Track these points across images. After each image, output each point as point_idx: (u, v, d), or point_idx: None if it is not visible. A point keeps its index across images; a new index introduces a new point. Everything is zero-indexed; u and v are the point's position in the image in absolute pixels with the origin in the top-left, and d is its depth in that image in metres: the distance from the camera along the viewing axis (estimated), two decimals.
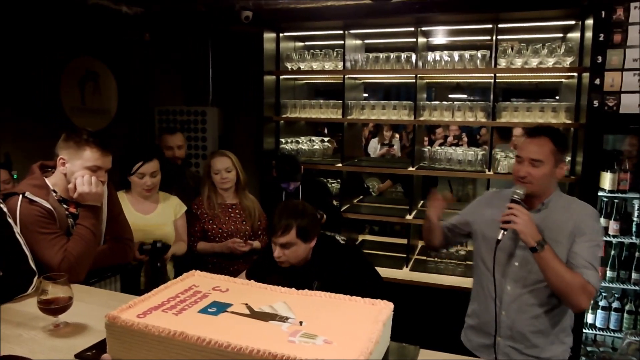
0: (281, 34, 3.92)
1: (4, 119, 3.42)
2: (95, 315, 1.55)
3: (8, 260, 1.72)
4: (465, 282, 3.24)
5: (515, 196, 1.90)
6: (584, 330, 3.09)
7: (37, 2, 3.40)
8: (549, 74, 3.44)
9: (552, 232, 1.90)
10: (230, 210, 3.05)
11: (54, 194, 2.06)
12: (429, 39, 3.89)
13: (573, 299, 1.80)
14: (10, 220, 1.79)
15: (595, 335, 3.18)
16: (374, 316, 1.36)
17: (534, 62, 3.26)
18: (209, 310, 1.38)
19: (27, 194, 1.95)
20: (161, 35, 4.56)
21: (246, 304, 1.42)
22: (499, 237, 1.90)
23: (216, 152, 3.14)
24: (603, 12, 2.84)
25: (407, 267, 3.53)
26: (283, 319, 1.33)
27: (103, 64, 4.22)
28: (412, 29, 3.51)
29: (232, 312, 1.37)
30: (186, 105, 4.65)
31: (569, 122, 3.22)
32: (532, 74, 3.44)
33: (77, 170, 2.01)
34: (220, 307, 1.40)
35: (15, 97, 3.52)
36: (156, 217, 2.77)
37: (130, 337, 1.26)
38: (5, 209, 1.79)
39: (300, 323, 1.31)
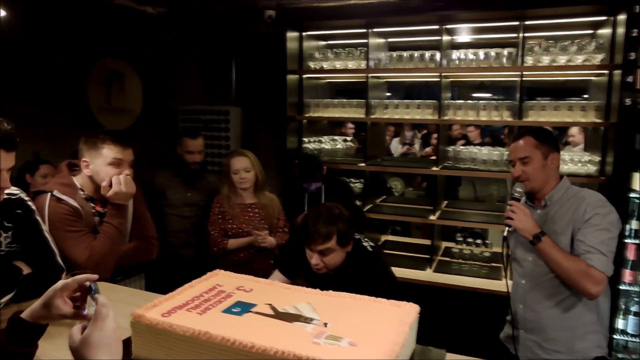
0: (304, 33, 3.91)
1: (34, 119, 3.50)
2: (119, 313, 1.55)
3: (37, 257, 1.75)
4: (490, 284, 3.18)
5: (515, 194, 2.04)
6: (614, 337, 3.00)
7: (66, 4, 3.46)
8: (578, 72, 3.35)
9: (554, 224, 1.99)
10: (249, 209, 3.05)
11: (81, 193, 2.10)
12: (454, 37, 3.82)
13: (578, 285, 1.85)
14: (38, 217, 1.82)
15: (627, 341, 3.08)
16: (399, 318, 1.34)
17: (562, 60, 3.17)
18: (233, 310, 1.38)
19: (55, 192, 2.00)
20: (185, 36, 4.60)
21: (270, 305, 1.41)
22: (504, 234, 2.06)
23: (235, 152, 3.14)
24: (637, 7, 2.75)
25: (430, 268, 3.48)
26: (307, 320, 1.32)
27: (128, 64, 4.27)
28: (436, 27, 3.45)
29: (256, 313, 1.37)
30: (209, 105, 4.68)
31: (599, 121, 3.14)
32: (560, 72, 3.35)
33: (101, 168, 2.04)
34: (244, 307, 1.40)
35: (44, 96, 3.59)
36: None
37: (155, 336, 1.26)
38: (34, 207, 1.82)
39: (325, 324, 1.30)
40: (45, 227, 1.84)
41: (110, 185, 2.02)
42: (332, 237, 2.04)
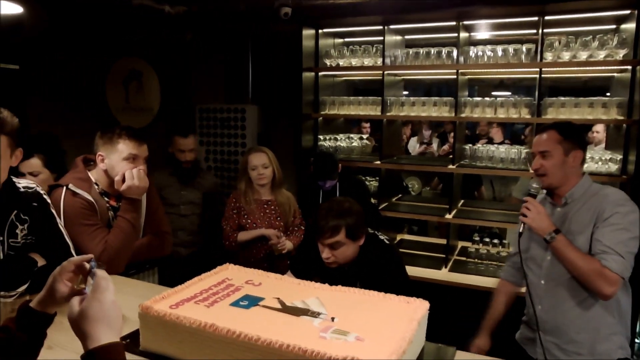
0: (320, 31, 3.90)
1: (56, 117, 3.57)
2: (131, 306, 1.57)
3: (52, 250, 1.77)
4: None
5: (532, 190, 2.01)
6: (636, 340, 2.92)
7: (86, 4, 3.52)
8: (600, 68, 3.27)
9: (575, 223, 1.93)
10: (265, 206, 3.06)
11: (96, 187, 2.12)
12: (471, 34, 3.77)
13: (592, 285, 1.81)
14: (53, 211, 1.84)
15: None
16: (408, 315, 1.32)
17: (583, 56, 3.10)
18: (241, 303, 1.38)
19: (71, 186, 2.02)
20: (202, 34, 4.63)
21: (278, 298, 1.41)
22: (520, 230, 2.00)
23: (253, 148, 3.15)
24: None
25: (446, 267, 3.44)
26: (315, 315, 1.31)
27: (146, 63, 4.32)
28: (454, 23, 3.41)
29: (264, 306, 1.36)
30: (226, 103, 4.71)
31: (621, 118, 3.05)
32: (581, 68, 3.27)
33: (116, 163, 2.06)
34: (252, 301, 1.39)
35: (66, 95, 3.66)
36: None
37: (163, 328, 1.27)
38: (49, 201, 1.84)
39: (332, 319, 1.29)
40: (60, 221, 1.87)
41: (124, 180, 2.04)
42: (340, 230, 2.03)
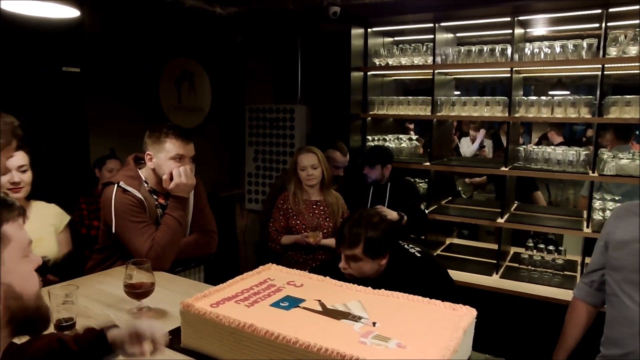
0: (369, 30, 3.85)
1: (111, 115, 3.71)
2: (175, 303, 1.59)
3: None
4: (561, 293, 2.95)
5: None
6: None
7: (141, 6, 3.64)
8: None
9: None
10: (314, 207, 3.04)
11: (146, 185, 2.17)
12: (527, 30, 3.60)
13: None
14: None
15: None
16: (454, 322, 1.26)
17: None
18: (281, 304, 1.37)
19: (121, 184, 2.08)
20: (252, 35, 4.69)
21: (319, 301, 1.38)
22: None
23: (303, 149, 3.13)
24: None
25: (497, 274, 3.30)
26: (356, 319, 1.28)
27: (198, 64, 4.42)
28: (508, 18, 3.27)
29: (304, 308, 1.34)
30: (275, 103, 4.75)
31: None
32: None
33: (163, 162, 2.10)
34: (292, 302, 1.38)
35: (120, 94, 3.80)
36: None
37: (203, 326, 1.27)
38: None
39: (374, 324, 1.25)
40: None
41: (171, 178, 2.08)
42: (359, 242, 1.91)
